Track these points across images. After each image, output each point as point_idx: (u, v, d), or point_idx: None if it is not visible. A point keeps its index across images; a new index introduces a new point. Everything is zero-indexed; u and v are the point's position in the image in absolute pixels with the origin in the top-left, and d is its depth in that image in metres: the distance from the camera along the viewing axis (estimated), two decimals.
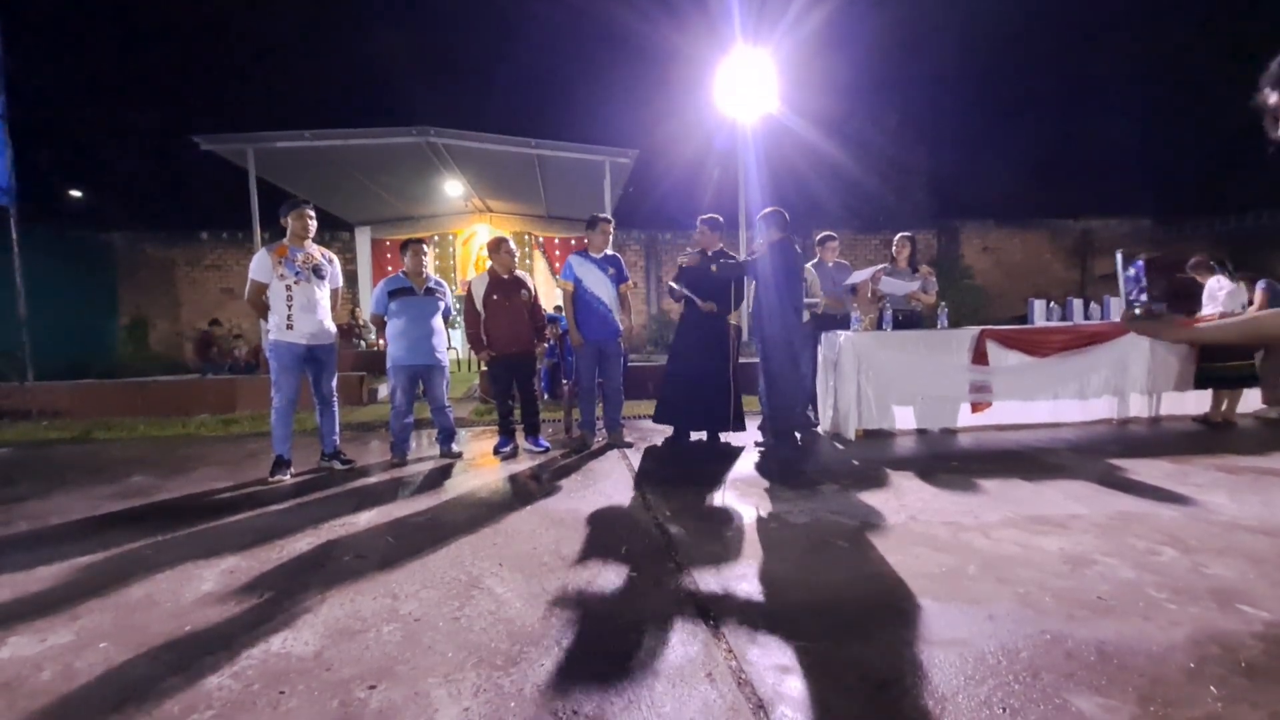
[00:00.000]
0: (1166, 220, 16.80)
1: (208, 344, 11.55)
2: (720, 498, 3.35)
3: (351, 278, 14.70)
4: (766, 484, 3.60)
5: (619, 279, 4.84)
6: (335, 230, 14.66)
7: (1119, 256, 1.29)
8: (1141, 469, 3.71)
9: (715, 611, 2.00)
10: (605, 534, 2.79)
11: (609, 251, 4.90)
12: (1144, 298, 1.53)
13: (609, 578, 2.30)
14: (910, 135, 17.61)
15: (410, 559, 2.52)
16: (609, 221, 4.90)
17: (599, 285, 4.76)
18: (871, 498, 3.24)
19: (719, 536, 2.71)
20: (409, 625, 1.95)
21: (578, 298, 4.77)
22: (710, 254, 4.84)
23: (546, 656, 1.75)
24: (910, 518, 2.89)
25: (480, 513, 3.16)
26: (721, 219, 4.89)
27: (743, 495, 3.38)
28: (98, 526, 3.15)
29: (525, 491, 3.60)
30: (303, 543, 2.76)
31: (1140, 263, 1.57)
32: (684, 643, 1.81)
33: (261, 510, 3.32)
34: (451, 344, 9.67)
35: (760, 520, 2.93)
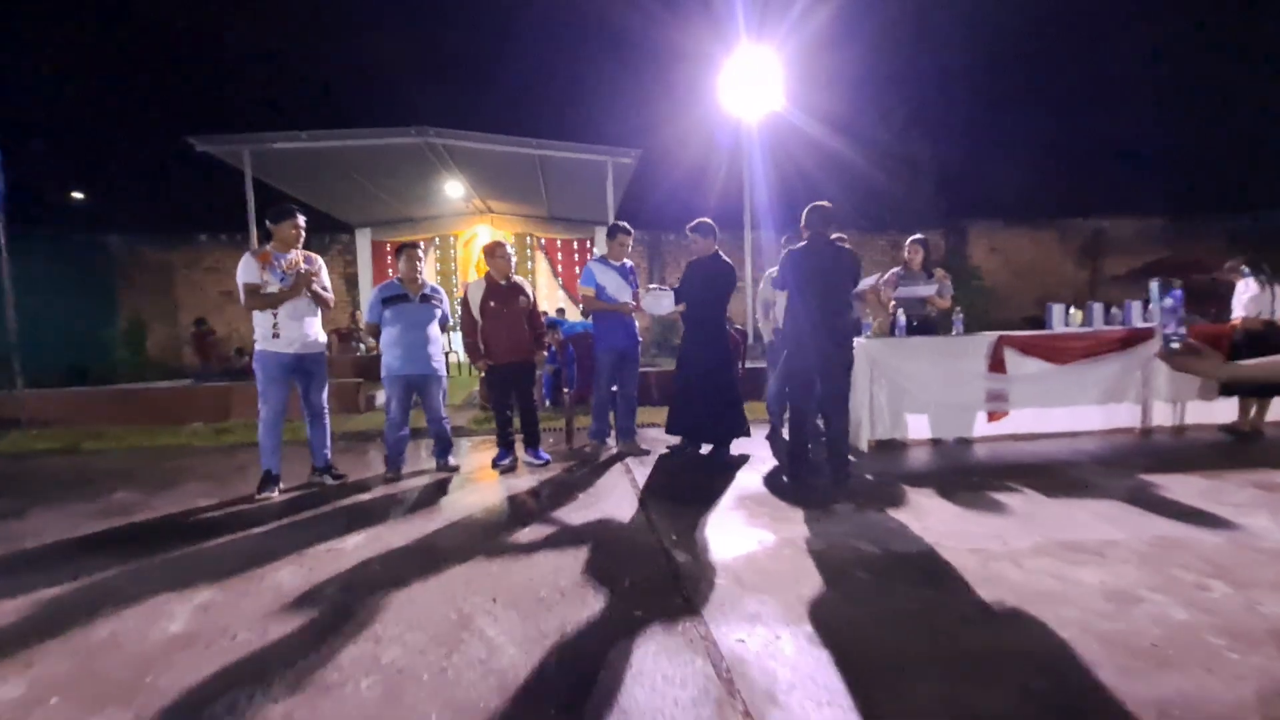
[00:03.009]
0: (1178, 218, 16.51)
1: (204, 340, 11.46)
2: (729, 519, 3.16)
3: (352, 280, 14.55)
4: (777, 502, 3.42)
5: (633, 287, 4.82)
6: (335, 232, 14.51)
7: (1154, 285, 1.15)
8: (1173, 486, 3.51)
9: (729, 659, 1.82)
10: (608, 562, 2.61)
11: (626, 261, 4.86)
12: (1182, 330, 1.35)
13: (612, 617, 2.11)
14: (917, 132, 17.40)
15: (398, 591, 2.35)
16: (626, 232, 4.83)
17: (621, 292, 4.72)
18: (890, 520, 3.05)
19: (729, 566, 2.53)
20: (391, 678, 1.77)
21: (600, 301, 4.74)
22: (704, 259, 4.70)
23: (541, 718, 1.57)
24: (934, 543, 2.70)
25: (475, 537, 2.99)
26: (711, 222, 4.69)
27: (752, 515, 3.19)
28: (72, 551, 2.98)
29: (523, 512, 3.42)
30: (284, 572, 2.59)
31: (1178, 292, 1.39)
32: (696, 702, 1.62)
33: (245, 532, 3.15)
34: (452, 348, 9.49)
35: (772, 546, 2.74)
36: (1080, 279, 16.43)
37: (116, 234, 13.55)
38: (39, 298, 10.75)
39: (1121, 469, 3.92)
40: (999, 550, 2.60)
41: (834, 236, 5.41)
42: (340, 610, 2.22)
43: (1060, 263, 16.42)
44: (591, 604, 2.21)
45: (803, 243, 4.03)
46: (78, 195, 16.76)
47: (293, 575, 2.55)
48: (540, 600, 2.26)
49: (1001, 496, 3.39)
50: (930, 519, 3.04)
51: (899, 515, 3.11)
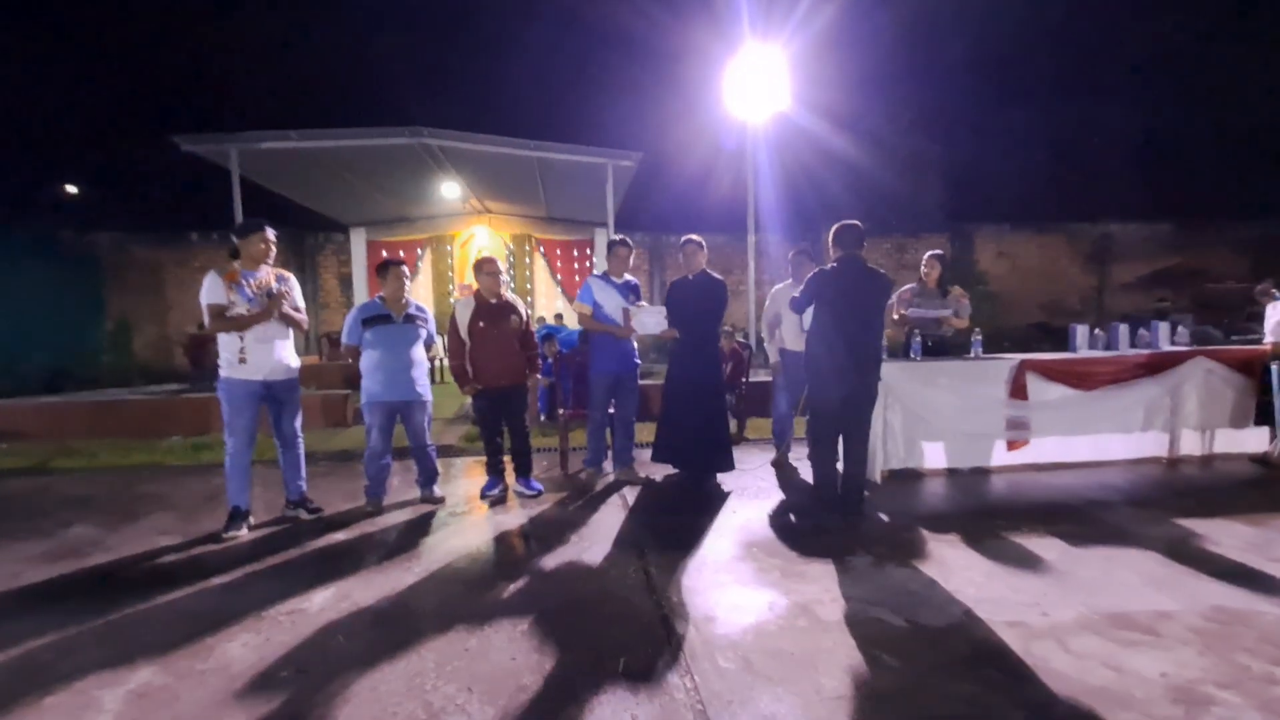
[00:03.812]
0: (1187, 224, 16.19)
1: (202, 346, 11.14)
2: (735, 574, 2.88)
3: (346, 281, 14.25)
4: (788, 551, 3.13)
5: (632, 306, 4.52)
6: (329, 232, 14.20)
7: (1274, 368, 0.95)
8: (1217, 534, 3.23)
9: None
10: (600, 635, 2.33)
11: (629, 277, 4.57)
12: None
13: (605, 714, 1.83)
14: (924, 133, 17.06)
15: (359, 675, 2.06)
16: (626, 246, 4.53)
17: (619, 313, 4.42)
18: (913, 578, 2.77)
19: (737, 643, 2.24)
20: None
21: (597, 321, 4.47)
22: (691, 277, 4.48)
23: None
24: (965, 613, 2.42)
25: (454, 596, 2.70)
26: (699, 238, 4.50)
27: (761, 569, 2.91)
28: (8, 607, 2.70)
29: (509, 561, 3.14)
30: (237, 643, 2.30)
31: None
32: None
33: (203, 584, 2.86)
34: (443, 352, 9.14)
35: (785, 614, 2.46)
36: (1088, 285, 16.13)
37: (104, 231, 13.19)
38: (20, 298, 10.46)
39: (1156, 511, 3.64)
40: (1040, 624, 2.32)
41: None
42: (293, 702, 1.93)
43: (1067, 268, 16.10)
44: (581, 698, 1.92)
45: (833, 264, 3.77)
46: (67, 191, 16.38)
47: (245, 649, 2.26)
48: (521, 689, 1.97)
49: (1032, 546, 3.11)
50: (957, 578, 2.75)
51: (922, 572, 2.83)
